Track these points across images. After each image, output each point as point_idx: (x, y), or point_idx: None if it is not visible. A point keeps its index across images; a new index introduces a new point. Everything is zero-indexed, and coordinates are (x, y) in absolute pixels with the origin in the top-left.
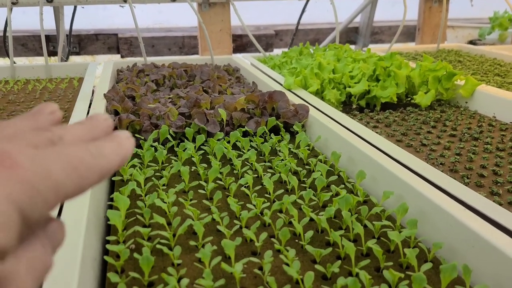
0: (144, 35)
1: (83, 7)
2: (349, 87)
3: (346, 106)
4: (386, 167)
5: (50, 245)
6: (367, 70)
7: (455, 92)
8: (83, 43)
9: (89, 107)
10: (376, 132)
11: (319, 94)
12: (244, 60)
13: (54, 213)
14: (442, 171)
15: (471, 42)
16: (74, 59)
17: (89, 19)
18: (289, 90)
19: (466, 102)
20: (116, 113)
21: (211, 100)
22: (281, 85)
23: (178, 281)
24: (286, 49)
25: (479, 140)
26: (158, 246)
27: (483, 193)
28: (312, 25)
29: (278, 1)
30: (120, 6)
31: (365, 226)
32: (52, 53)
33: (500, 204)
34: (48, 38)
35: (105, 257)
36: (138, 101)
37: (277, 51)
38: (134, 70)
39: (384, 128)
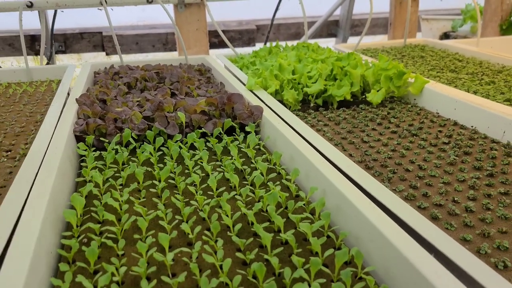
0: (128, 33)
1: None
2: (307, 86)
3: (305, 104)
4: (316, 165)
5: None
6: (324, 70)
7: (406, 89)
8: (68, 41)
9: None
10: (324, 130)
11: (280, 94)
12: (216, 60)
13: (12, 216)
14: (373, 167)
15: (445, 34)
16: (61, 57)
17: (74, 18)
18: (251, 91)
19: (415, 99)
20: (88, 116)
21: (175, 102)
22: (245, 85)
23: (118, 269)
24: (267, 44)
25: (416, 137)
26: (104, 240)
27: (403, 186)
28: (294, 19)
29: None
30: (98, 9)
31: (288, 218)
32: (39, 52)
33: (414, 197)
34: (35, 38)
35: (58, 250)
36: (107, 105)
37: (259, 45)
38: (110, 73)
39: (333, 126)
